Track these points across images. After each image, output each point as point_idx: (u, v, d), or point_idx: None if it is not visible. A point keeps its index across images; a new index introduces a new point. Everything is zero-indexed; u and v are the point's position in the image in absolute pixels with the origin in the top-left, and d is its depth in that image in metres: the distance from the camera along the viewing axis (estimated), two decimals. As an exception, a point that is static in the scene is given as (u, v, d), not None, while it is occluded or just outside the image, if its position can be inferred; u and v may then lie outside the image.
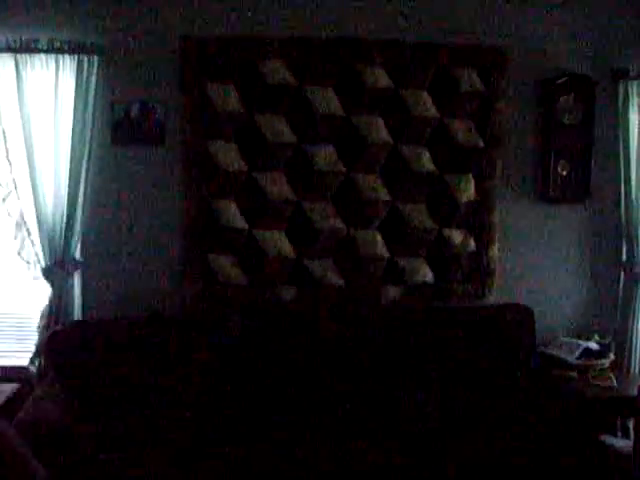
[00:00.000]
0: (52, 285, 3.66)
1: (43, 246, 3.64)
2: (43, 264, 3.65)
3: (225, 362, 3.49)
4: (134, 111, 3.75)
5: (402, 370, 3.58)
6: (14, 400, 3.44)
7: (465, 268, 3.98)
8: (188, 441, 3.19)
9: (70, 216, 3.64)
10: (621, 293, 4.10)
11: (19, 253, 3.69)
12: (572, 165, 4.01)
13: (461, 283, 3.99)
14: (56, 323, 3.61)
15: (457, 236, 3.95)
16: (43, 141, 3.62)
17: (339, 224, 3.86)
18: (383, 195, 3.87)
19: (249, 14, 3.77)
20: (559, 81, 3.94)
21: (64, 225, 3.64)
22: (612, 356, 3.82)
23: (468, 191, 3.93)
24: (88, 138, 3.63)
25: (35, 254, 3.66)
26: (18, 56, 3.57)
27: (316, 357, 3.56)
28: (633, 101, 3.97)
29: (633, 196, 4.01)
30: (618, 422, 3.75)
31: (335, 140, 3.82)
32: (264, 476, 2.99)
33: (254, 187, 3.79)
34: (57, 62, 3.60)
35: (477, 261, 3.99)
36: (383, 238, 3.89)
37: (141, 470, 2.94)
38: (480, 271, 3.99)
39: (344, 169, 3.84)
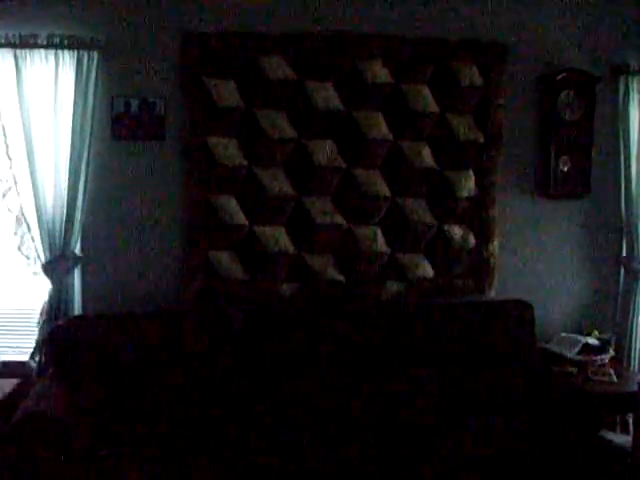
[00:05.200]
0: (52, 281, 3.66)
1: (43, 242, 3.64)
2: (43, 260, 3.65)
3: (226, 357, 3.49)
4: (134, 106, 3.74)
5: (402, 365, 3.58)
6: (14, 395, 3.44)
7: (465, 263, 3.98)
8: (188, 437, 3.20)
9: (70, 211, 3.64)
10: (621, 289, 4.10)
11: (19, 248, 3.70)
12: (572, 161, 4.00)
13: (461, 278, 3.99)
14: (56, 318, 3.61)
15: (457, 231, 3.95)
16: (43, 137, 3.62)
17: (339, 220, 3.85)
18: (383, 191, 3.87)
19: (249, 9, 3.76)
20: (559, 77, 3.93)
21: (64, 221, 3.64)
22: (612, 352, 3.82)
23: (468, 186, 3.93)
24: (88, 133, 3.63)
25: (35, 249, 3.66)
26: (17, 51, 3.56)
27: (316, 352, 3.57)
28: (633, 96, 3.96)
29: (633, 192, 4.01)
30: (618, 418, 3.76)
31: (335, 135, 3.82)
32: (262, 471, 2.99)
33: (254, 182, 3.79)
34: (56, 57, 3.59)
35: (477, 256, 3.99)
36: (383, 234, 3.89)
37: (140, 466, 2.94)
38: (480, 266, 3.99)
39: (344, 164, 3.84)
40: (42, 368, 3.59)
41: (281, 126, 3.77)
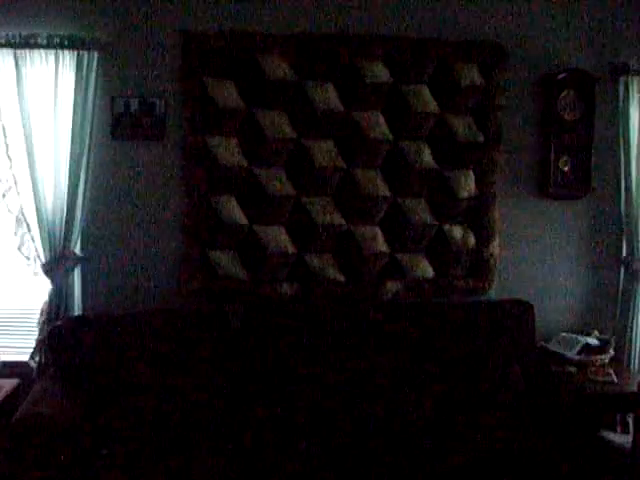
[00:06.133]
0: (52, 281, 3.66)
1: (43, 242, 3.64)
2: (43, 260, 3.65)
3: (225, 357, 3.49)
4: (134, 106, 3.74)
5: (401, 366, 3.58)
6: (14, 396, 3.45)
7: (465, 263, 3.98)
8: (188, 436, 3.20)
9: (70, 212, 3.64)
10: (621, 289, 4.10)
11: (19, 249, 3.70)
12: (572, 161, 4.01)
13: (461, 279, 3.99)
14: (56, 319, 3.61)
15: (457, 232, 3.95)
16: (43, 137, 3.62)
17: (339, 219, 3.86)
18: (383, 191, 3.87)
19: (249, 9, 3.76)
20: (559, 77, 3.94)
21: (64, 221, 3.64)
22: (612, 352, 3.82)
23: (468, 186, 3.93)
24: (88, 133, 3.63)
25: (35, 250, 3.66)
26: (17, 52, 3.56)
27: (316, 352, 3.56)
28: (633, 96, 3.96)
29: (633, 192, 4.01)
30: (618, 418, 3.76)
31: (335, 135, 3.82)
32: (263, 471, 2.99)
33: (254, 182, 3.79)
34: (57, 57, 3.59)
35: (477, 257, 3.99)
36: (383, 234, 3.90)
37: (141, 465, 2.95)
38: (480, 267, 3.99)
39: (344, 164, 3.84)
40: (42, 368, 3.59)
41: (281, 126, 3.77)
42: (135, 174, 3.78)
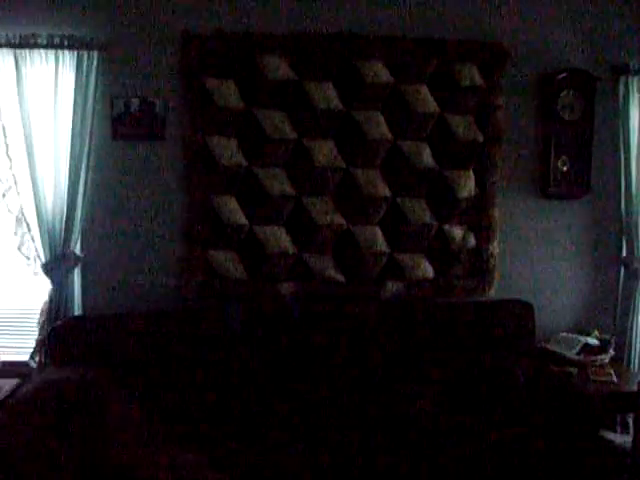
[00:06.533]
0: (52, 281, 3.66)
1: (43, 242, 3.64)
2: (43, 260, 3.65)
3: (225, 357, 3.49)
4: (134, 106, 3.74)
5: (401, 366, 3.58)
6: (14, 396, 3.44)
7: (465, 264, 3.98)
8: (186, 437, 3.20)
9: (70, 211, 3.64)
10: (621, 288, 4.10)
11: (19, 249, 3.70)
12: (572, 161, 4.01)
13: (461, 279, 3.99)
14: (56, 319, 3.61)
15: (457, 232, 3.95)
16: (43, 137, 3.62)
17: (339, 219, 3.85)
18: (383, 190, 3.87)
19: (249, 9, 3.76)
20: (559, 77, 3.94)
21: (64, 221, 3.64)
22: (612, 352, 3.82)
23: (468, 186, 3.93)
24: (88, 133, 3.63)
25: (35, 250, 3.66)
26: (17, 52, 3.56)
27: (315, 352, 3.57)
28: (633, 97, 3.96)
29: (633, 192, 4.00)
30: (618, 418, 3.76)
31: (335, 135, 3.82)
32: (263, 471, 2.99)
33: (254, 182, 3.79)
34: (57, 57, 3.59)
35: (477, 257, 3.99)
36: (383, 233, 3.89)
37: (141, 464, 2.94)
38: (480, 267, 3.99)
39: (344, 164, 3.84)
40: (42, 368, 3.59)
41: (281, 126, 3.77)
42: (135, 174, 3.78)
